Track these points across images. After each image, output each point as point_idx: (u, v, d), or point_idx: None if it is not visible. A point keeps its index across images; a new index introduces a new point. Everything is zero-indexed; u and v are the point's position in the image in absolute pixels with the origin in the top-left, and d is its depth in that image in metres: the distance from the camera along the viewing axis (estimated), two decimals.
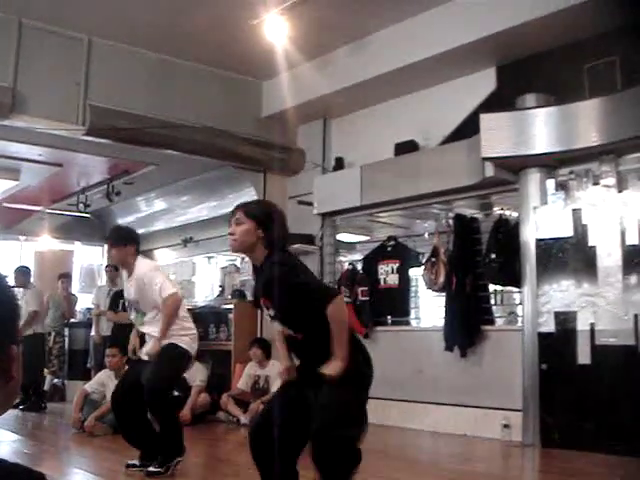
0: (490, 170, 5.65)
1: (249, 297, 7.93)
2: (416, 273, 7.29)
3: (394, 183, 6.71)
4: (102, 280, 10.72)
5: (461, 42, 6.04)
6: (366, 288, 7.03)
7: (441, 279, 6.42)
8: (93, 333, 8.71)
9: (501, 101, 6.03)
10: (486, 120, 5.59)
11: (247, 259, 3.42)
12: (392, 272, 7.09)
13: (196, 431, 5.84)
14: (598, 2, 5.11)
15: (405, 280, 7.10)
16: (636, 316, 4.87)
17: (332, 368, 2.61)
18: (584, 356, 5.09)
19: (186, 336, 4.47)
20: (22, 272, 8.51)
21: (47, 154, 8.27)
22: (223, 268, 10.21)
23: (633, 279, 4.95)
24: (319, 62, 7.10)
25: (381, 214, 7.47)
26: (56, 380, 9.39)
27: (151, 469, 4.21)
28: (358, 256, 7.83)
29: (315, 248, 7.57)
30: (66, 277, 9.90)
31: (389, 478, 4.34)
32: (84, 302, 10.42)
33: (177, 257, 10.98)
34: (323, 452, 2.55)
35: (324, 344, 2.65)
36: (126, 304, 4.89)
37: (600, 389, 5.01)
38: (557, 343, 5.26)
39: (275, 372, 6.80)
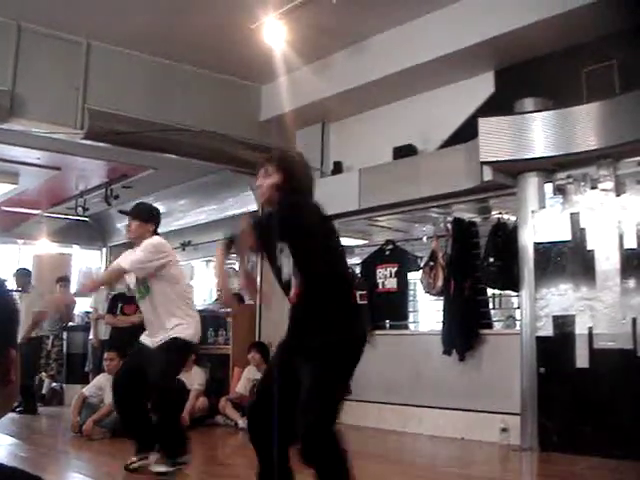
0: (488, 174, 5.65)
1: (247, 301, 7.92)
2: (414, 277, 7.29)
3: (392, 187, 6.71)
4: None
5: (459, 46, 6.05)
6: (364, 292, 7.03)
7: (439, 283, 6.43)
8: (91, 337, 8.70)
9: (499, 105, 6.03)
10: (484, 124, 5.60)
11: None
12: (390, 276, 7.09)
13: (194, 435, 5.82)
14: (596, 6, 5.12)
15: (403, 284, 7.10)
16: (634, 320, 4.86)
17: None
18: (582, 360, 5.09)
19: (189, 325, 4.40)
20: (23, 274, 8.50)
21: (45, 158, 8.26)
22: None
23: (631, 283, 4.95)
24: (317, 66, 7.11)
25: (379, 218, 7.47)
26: (54, 384, 9.38)
27: (158, 469, 4.20)
28: (356, 260, 7.83)
29: None
30: (64, 281, 9.89)
31: None
32: (82, 306, 10.41)
33: None
34: (312, 452, 2.52)
35: (319, 307, 2.66)
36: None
37: (598, 393, 5.01)
38: (555, 347, 5.26)
39: None
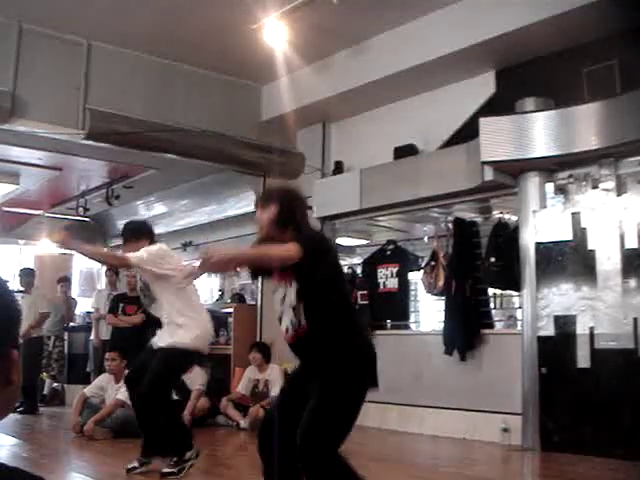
0: (489, 174, 5.65)
1: (249, 301, 7.93)
2: (415, 277, 7.29)
3: (393, 187, 6.71)
4: (102, 284, 10.73)
5: (460, 46, 6.06)
6: (365, 292, 7.03)
7: (440, 283, 6.43)
8: (93, 337, 8.71)
9: (500, 105, 6.04)
10: (485, 124, 5.60)
11: None
12: (391, 276, 7.09)
13: (196, 435, 5.81)
14: (597, 6, 5.13)
15: (404, 284, 7.10)
16: (635, 320, 4.86)
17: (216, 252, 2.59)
18: (584, 360, 5.09)
19: (191, 330, 4.41)
20: (27, 274, 8.49)
21: (47, 158, 8.28)
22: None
23: (632, 283, 4.95)
24: (318, 66, 7.11)
25: (380, 218, 7.47)
26: (55, 384, 9.38)
27: (165, 470, 4.22)
28: (357, 260, 7.83)
29: None
30: (65, 281, 9.90)
31: None
32: (84, 306, 10.41)
33: None
34: (309, 470, 2.57)
35: (325, 339, 2.69)
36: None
37: (600, 393, 5.00)
38: (556, 347, 5.26)
39: (275, 376, 6.81)
